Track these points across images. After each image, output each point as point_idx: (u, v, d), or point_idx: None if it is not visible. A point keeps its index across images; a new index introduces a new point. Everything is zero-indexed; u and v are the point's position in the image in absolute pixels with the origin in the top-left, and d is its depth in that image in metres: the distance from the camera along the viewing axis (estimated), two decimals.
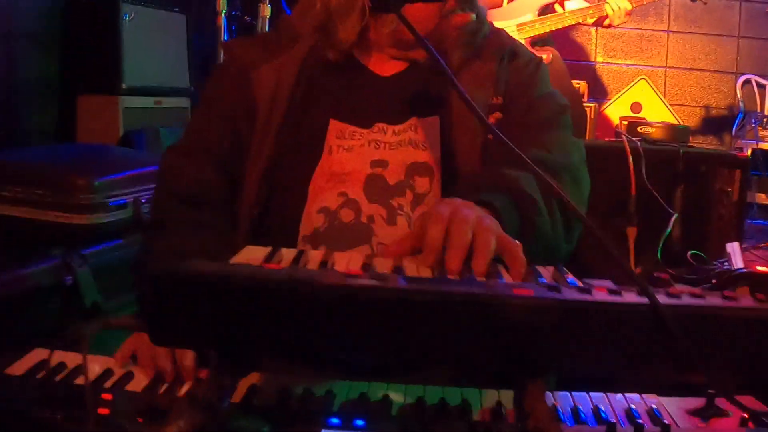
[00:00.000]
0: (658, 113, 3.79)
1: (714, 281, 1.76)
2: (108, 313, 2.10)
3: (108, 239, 2.27)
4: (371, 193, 1.36)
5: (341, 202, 1.35)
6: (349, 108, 1.42)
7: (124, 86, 3.40)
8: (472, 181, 1.30)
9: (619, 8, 3.64)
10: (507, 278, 0.92)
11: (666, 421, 0.97)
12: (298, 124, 1.41)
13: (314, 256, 0.94)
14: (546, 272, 0.93)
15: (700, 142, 4.65)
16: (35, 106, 3.19)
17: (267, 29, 3.35)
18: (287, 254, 0.95)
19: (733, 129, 4.65)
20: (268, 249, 0.96)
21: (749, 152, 4.47)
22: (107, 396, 0.99)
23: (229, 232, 1.41)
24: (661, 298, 0.70)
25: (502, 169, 1.27)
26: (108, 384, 1.10)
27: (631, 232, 2.28)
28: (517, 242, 1.01)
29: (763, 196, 4.47)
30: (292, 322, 0.67)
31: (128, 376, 1.12)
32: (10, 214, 2.17)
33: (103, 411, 0.94)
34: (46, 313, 1.98)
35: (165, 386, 1.10)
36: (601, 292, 0.72)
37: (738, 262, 1.91)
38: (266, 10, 3.39)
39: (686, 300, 0.71)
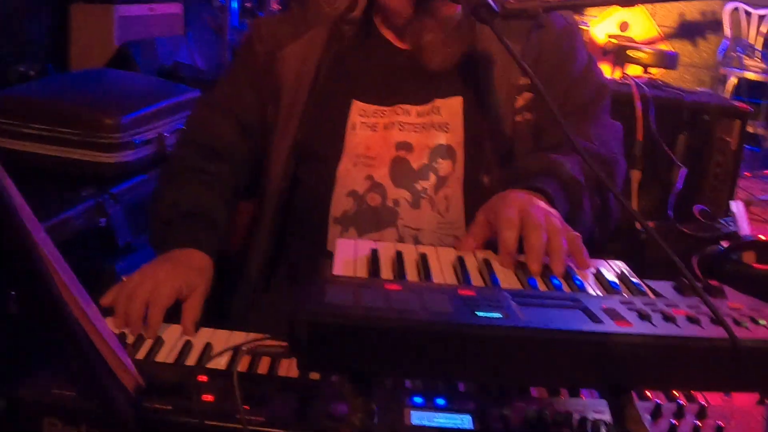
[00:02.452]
0: (644, 30, 3.84)
1: (723, 243, 1.91)
2: (138, 249, 2.15)
3: (133, 176, 2.30)
4: (396, 178, 1.41)
5: (368, 186, 1.42)
6: (370, 88, 1.45)
7: None
8: (520, 166, 1.37)
9: None
10: (580, 275, 1.03)
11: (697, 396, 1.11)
12: (322, 104, 1.44)
13: (409, 261, 1.04)
14: (610, 272, 1.04)
15: (686, 60, 4.72)
16: (27, 16, 3.10)
17: None
18: (385, 255, 1.04)
19: (720, 56, 4.71)
20: (365, 249, 1.05)
21: (735, 81, 4.57)
22: (202, 378, 1.00)
23: (236, 189, 1.49)
24: (730, 322, 0.83)
25: (547, 153, 1.33)
26: (192, 361, 1.11)
27: (635, 175, 2.38)
28: (576, 233, 1.12)
29: None
30: (424, 355, 0.78)
31: (208, 348, 1.15)
32: (36, 151, 2.18)
33: (208, 398, 0.96)
34: (83, 257, 2.03)
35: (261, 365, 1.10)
36: (681, 316, 0.84)
37: (743, 222, 2.04)
38: None
39: (756, 331, 0.83)
